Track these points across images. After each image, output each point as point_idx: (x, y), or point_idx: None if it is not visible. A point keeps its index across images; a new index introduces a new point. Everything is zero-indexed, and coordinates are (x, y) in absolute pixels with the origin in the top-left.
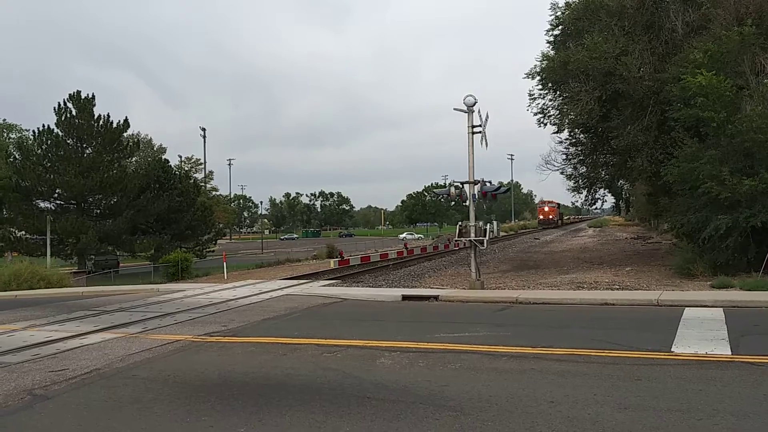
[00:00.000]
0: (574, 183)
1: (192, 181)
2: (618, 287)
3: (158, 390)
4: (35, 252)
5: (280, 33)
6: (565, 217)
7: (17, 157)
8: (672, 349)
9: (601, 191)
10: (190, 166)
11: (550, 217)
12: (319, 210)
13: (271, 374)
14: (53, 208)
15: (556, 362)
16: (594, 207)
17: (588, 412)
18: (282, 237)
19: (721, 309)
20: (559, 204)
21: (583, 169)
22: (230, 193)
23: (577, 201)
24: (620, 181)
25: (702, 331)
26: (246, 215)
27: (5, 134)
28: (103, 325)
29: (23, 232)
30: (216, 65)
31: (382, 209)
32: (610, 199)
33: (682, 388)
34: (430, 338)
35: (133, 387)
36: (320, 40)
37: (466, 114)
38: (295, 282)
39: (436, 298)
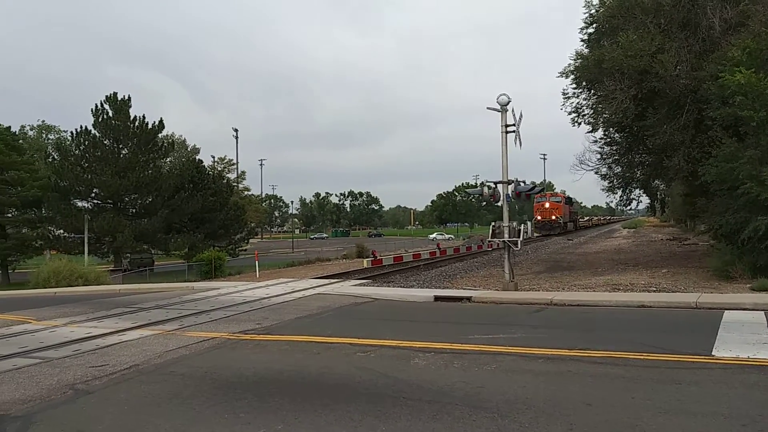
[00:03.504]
0: (609, 183)
1: (225, 181)
2: (655, 289)
3: (196, 386)
4: (73, 250)
5: (311, 32)
6: (582, 218)
7: (56, 157)
8: (712, 353)
9: (636, 191)
10: (223, 166)
11: (553, 217)
12: (348, 210)
13: (306, 372)
14: (90, 207)
15: (593, 365)
16: (629, 207)
17: (627, 416)
18: (312, 236)
19: (762, 312)
20: (569, 198)
21: (618, 169)
22: (261, 192)
23: (611, 201)
24: (655, 181)
25: (743, 335)
26: (277, 215)
27: (44, 135)
28: (140, 321)
29: (62, 231)
30: (248, 65)
31: (411, 209)
32: (644, 200)
33: (723, 393)
34: (465, 339)
35: (172, 383)
36: (349, 39)
37: (500, 113)
38: (326, 281)
39: (469, 299)
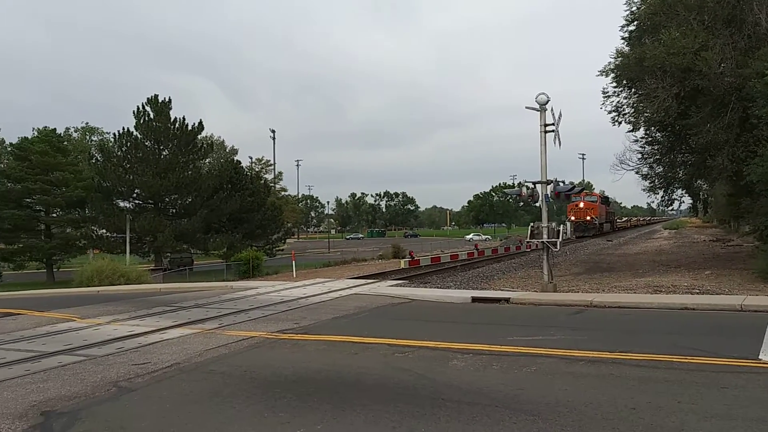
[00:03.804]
0: (650, 183)
1: (262, 181)
2: (698, 291)
3: (235, 385)
4: (115, 249)
5: (347, 31)
6: (620, 218)
7: (99, 158)
8: (759, 357)
9: (678, 192)
10: (260, 167)
11: (588, 218)
12: (384, 210)
13: (344, 372)
14: (132, 207)
15: (635, 368)
16: (670, 208)
17: (672, 420)
18: (348, 236)
19: None
20: (606, 198)
21: (659, 169)
22: (298, 193)
23: (652, 202)
24: (698, 181)
25: None
26: (313, 215)
27: (88, 137)
28: (181, 320)
29: (104, 231)
30: (284, 66)
31: (447, 209)
32: (687, 200)
33: None
34: (503, 341)
35: (212, 381)
36: (385, 38)
37: (538, 112)
38: (362, 281)
39: (507, 300)
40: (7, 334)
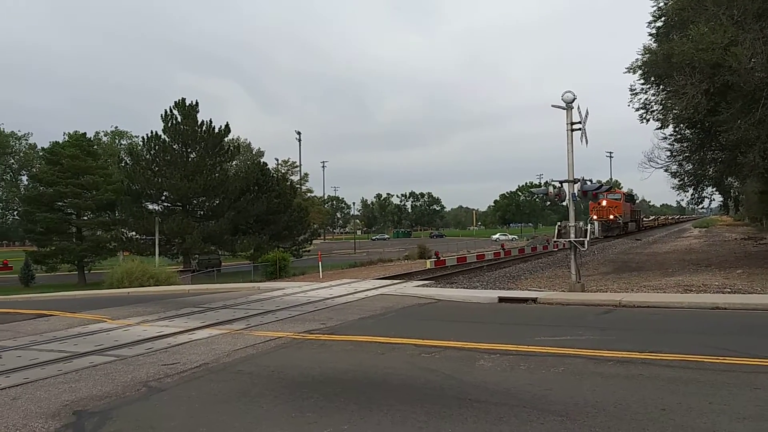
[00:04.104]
0: (679, 181)
1: (288, 183)
2: (729, 290)
3: (263, 385)
4: (144, 251)
5: (371, 34)
6: (648, 217)
7: (128, 162)
8: None
9: (708, 189)
10: (286, 168)
11: (611, 217)
12: (409, 210)
13: (371, 373)
14: (161, 209)
15: (665, 368)
16: (700, 206)
17: (703, 421)
18: (373, 237)
19: None
20: (631, 195)
21: (688, 166)
22: (324, 194)
23: (682, 200)
24: (729, 179)
25: None
26: (339, 216)
27: (117, 141)
28: (209, 321)
29: (134, 233)
30: (309, 68)
31: (473, 209)
32: (717, 198)
33: None
34: (531, 341)
35: (240, 382)
36: (409, 41)
37: (565, 111)
38: (388, 282)
39: (534, 300)
40: (40, 335)
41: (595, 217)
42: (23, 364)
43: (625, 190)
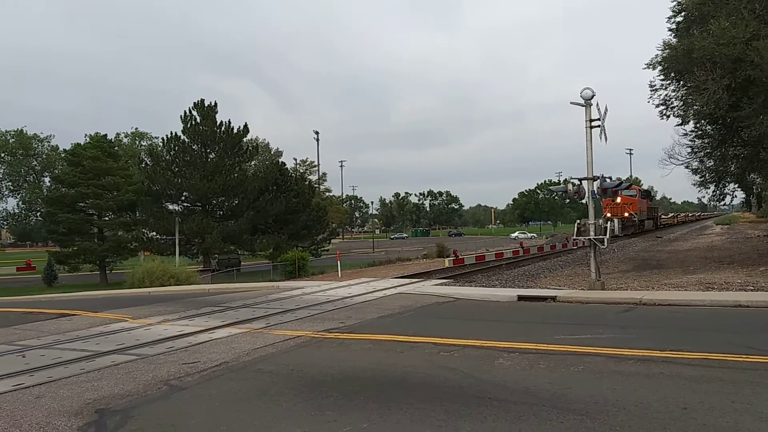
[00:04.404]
0: (701, 177)
1: (307, 182)
2: (752, 288)
3: (283, 384)
4: (165, 251)
5: (390, 33)
6: (666, 214)
7: (148, 163)
8: None
9: (730, 186)
10: (304, 168)
11: (626, 214)
12: (428, 209)
13: (390, 371)
14: (181, 210)
15: (687, 366)
16: (722, 203)
17: (726, 421)
18: (392, 236)
19: None
20: (647, 191)
21: (710, 163)
22: (342, 193)
23: (703, 197)
24: (751, 175)
25: None
26: (357, 215)
27: (137, 142)
28: (229, 320)
29: (154, 233)
30: (328, 68)
31: (492, 208)
32: (739, 195)
33: None
34: (550, 339)
35: (260, 380)
36: (428, 39)
37: (583, 108)
38: (407, 281)
39: (553, 298)
40: (63, 334)
41: (608, 214)
42: (47, 363)
43: (645, 187)
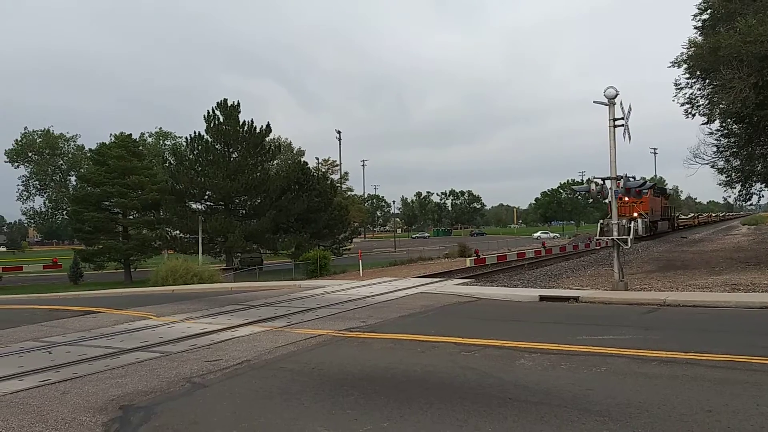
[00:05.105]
0: (727, 177)
1: (329, 182)
2: None
3: (304, 382)
4: (188, 250)
5: (412, 32)
6: (686, 214)
7: (172, 162)
8: None
9: (757, 185)
10: (326, 167)
11: (635, 214)
12: (449, 208)
13: (411, 371)
14: (204, 209)
15: (711, 369)
16: (749, 203)
17: (750, 424)
18: (413, 236)
19: None
20: (662, 189)
21: (736, 162)
22: (364, 192)
23: (729, 196)
24: None
25: None
26: (379, 214)
27: (161, 141)
28: (251, 318)
29: (178, 232)
30: (350, 67)
31: (514, 207)
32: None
33: None
34: (572, 340)
35: (281, 378)
36: (450, 38)
37: (607, 107)
38: (428, 280)
39: (576, 299)
40: (88, 332)
41: (635, 214)
42: (72, 360)
43: (669, 187)
